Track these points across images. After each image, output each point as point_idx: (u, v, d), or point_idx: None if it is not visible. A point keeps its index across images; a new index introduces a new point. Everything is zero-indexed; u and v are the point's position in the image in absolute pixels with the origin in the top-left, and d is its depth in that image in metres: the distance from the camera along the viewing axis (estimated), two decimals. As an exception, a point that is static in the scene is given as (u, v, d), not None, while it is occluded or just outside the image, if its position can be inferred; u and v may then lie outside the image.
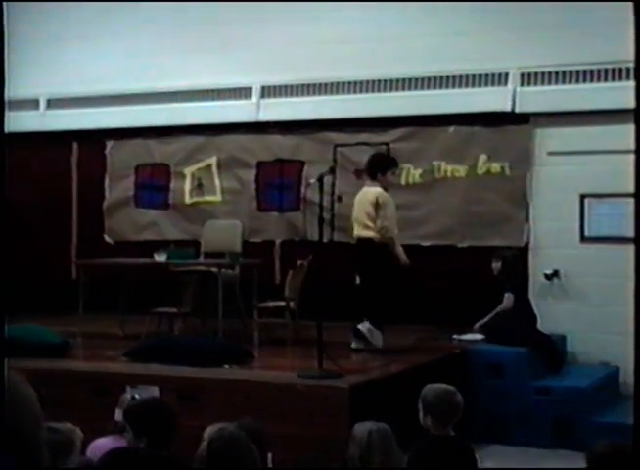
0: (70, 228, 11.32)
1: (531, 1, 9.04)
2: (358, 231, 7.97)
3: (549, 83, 9.18)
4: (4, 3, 2.19)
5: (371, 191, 7.94)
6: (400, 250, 7.94)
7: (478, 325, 8.60)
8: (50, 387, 6.17)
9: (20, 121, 10.67)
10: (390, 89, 9.76)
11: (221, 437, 3.60)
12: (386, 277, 7.85)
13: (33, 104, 11.07)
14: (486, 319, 8.59)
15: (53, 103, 11.15)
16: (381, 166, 8.10)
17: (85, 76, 10.83)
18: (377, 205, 7.84)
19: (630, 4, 2.49)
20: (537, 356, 8.24)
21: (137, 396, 5.07)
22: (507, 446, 7.58)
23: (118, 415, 5.02)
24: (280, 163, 10.37)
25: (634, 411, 2.36)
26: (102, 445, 4.85)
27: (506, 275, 8.62)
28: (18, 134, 10.54)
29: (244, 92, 10.33)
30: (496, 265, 8.64)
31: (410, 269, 7.97)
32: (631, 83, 8.67)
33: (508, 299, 8.51)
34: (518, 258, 8.95)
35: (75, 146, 11.30)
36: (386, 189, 8.03)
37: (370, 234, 7.86)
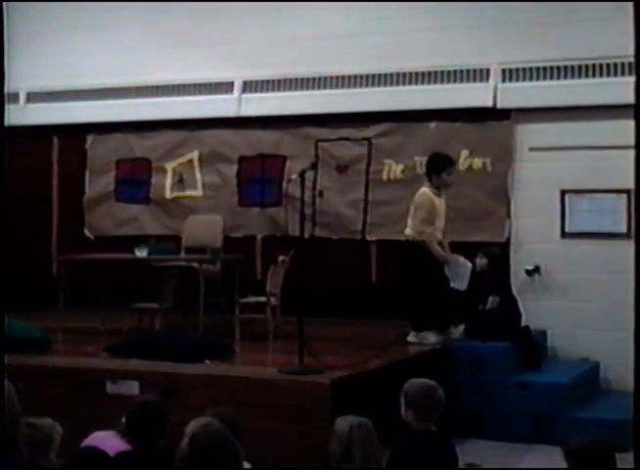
0: (51, 223, 11.27)
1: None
2: (406, 230, 8.25)
3: (530, 79, 9.20)
4: (4, 3, 2.17)
5: (419, 191, 8.23)
6: (437, 249, 8.09)
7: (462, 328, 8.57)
8: (30, 382, 6.16)
9: (-1, 115, 10.58)
10: (372, 84, 9.76)
11: (205, 433, 3.59)
12: (420, 276, 8.05)
13: (13, 98, 10.97)
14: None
15: (33, 97, 11.09)
16: (434, 167, 8.26)
17: (66, 70, 10.78)
18: (415, 205, 8.14)
19: (629, 4, 2.50)
20: (518, 352, 8.25)
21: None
22: (487, 440, 7.60)
23: None
24: (261, 158, 10.36)
25: (634, 409, 2.36)
26: (100, 438, 4.81)
27: (491, 274, 8.57)
28: (-3, 128, 10.47)
29: (225, 87, 10.31)
30: (480, 261, 8.60)
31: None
32: (612, 79, 8.73)
33: (493, 302, 8.44)
34: (503, 256, 8.95)
35: (56, 140, 11.24)
36: (440, 191, 8.23)
37: (409, 233, 8.17)
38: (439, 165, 8.25)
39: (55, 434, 4.25)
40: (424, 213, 8.09)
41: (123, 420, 4.86)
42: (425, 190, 8.20)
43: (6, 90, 11.04)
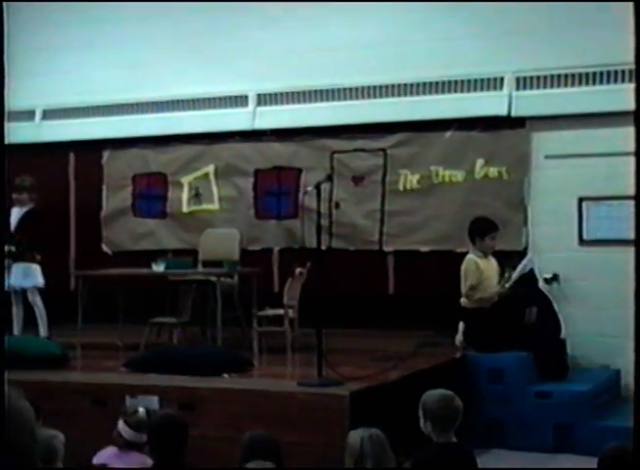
0: (68, 239, 11.31)
1: (529, 1, 9.01)
2: (461, 300, 8.51)
3: (545, 87, 9.18)
4: (4, 3, 2.18)
5: (465, 259, 8.48)
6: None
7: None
8: (49, 398, 6.17)
9: (16, 133, 10.64)
10: (387, 95, 9.75)
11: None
12: (493, 342, 8.08)
13: (29, 115, 11.06)
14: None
15: (49, 114, 11.14)
16: (478, 232, 8.49)
17: (81, 87, 10.83)
18: (464, 272, 8.41)
19: (630, 4, 2.48)
20: (545, 361, 8.16)
21: (141, 409, 5.02)
22: (508, 450, 7.55)
23: (122, 427, 4.96)
24: (277, 170, 10.36)
25: (634, 413, 2.34)
26: (107, 455, 4.83)
27: (523, 286, 8.48)
28: (14, 145, 10.49)
29: (240, 100, 10.33)
30: (508, 275, 8.54)
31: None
32: (627, 86, 8.69)
33: (531, 313, 8.35)
34: (533, 266, 8.86)
35: (72, 156, 11.28)
36: (486, 254, 8.49)
37: (462, 301, 8.47)
38: (483, 231, 8.49)
39: (57, 443, 4.27)
40: (473, 280, 8.35)
41: (120, 430, 4.86)
42: (469, 257, 8.47)
43: (22, 107, 11.04)
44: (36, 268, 9.05)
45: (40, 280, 9.06)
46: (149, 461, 4.65)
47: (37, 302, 9.04)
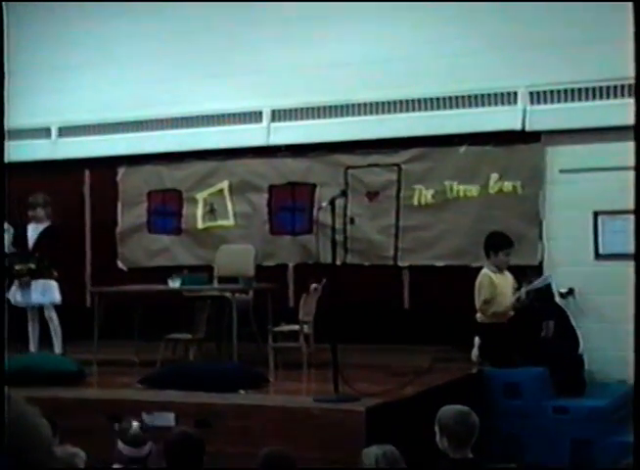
0: (84, 255, 11.34)
1: (543, 0, 9.01)
2: (477, 315, 8.49)
3: (559, 101, 9.17)
4: (3, 3, 2.19)
5: (480, 273, 8.48)
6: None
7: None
8: (65, 415, 6.17)
9: (31, 150, 10.73)
10: (401, 110, 9.76)
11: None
12: (510, 357, 8.07)
13: (45, 132, 11.12)
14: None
15: (64, 131, 11.19)
16: (493, 246, 8.50)
17: (96, 104, 10.88)
18: (478, 287, 8.40)
19: (630, 4, 2.48)
20: (562, 376, 8.12)
21: (135, 423, 4.99)
22: (526, 466, 7.52)
23: (121, 446, 4.93)
24: (291, 186, 10.38)
25: (634, 425, 2.32)
26: None
27: (539, 301, 8.46)
28: (30, 163, 10.58)
29: (254, 116, 10.36)
30: (524, 290, 8.51)
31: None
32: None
33: (548, 328, 8.34)
34: (550, 283, 8.82)
35: (87, 173, 11.33)
36: (501, 269, 8.47)
37: (478, 316, 8.43)
38: (497, 246, 8.49)
39: (79, 461, 4.27)
40: (485, 294, 8.34)
41: (120, 449, 4.85)
42: (484, 271, 8.48)
43: (37, 125, 11.08)
44: (54, 285, 9.12)
45: (57, 296, 9.12)
46: None
47: (53, 318, 9.09)
